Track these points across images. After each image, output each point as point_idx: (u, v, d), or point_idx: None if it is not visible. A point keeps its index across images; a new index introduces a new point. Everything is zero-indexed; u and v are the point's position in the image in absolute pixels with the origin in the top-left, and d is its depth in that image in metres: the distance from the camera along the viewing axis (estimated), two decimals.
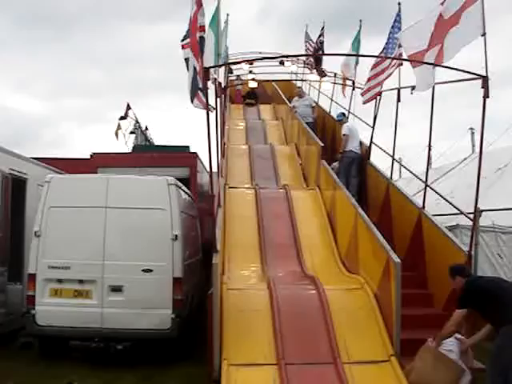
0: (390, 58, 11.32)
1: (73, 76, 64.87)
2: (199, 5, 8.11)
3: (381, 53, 12.12)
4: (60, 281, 10.04)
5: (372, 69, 11.94)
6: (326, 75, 19.92)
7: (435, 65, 8.48)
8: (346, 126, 15.34)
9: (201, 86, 8.28)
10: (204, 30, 8.34)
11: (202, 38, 8.24)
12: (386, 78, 11.46)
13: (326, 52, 20.74)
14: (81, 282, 10.04)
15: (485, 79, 7.98)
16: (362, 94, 12.57)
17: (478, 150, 25.22)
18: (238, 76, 24.57)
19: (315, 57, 20.99)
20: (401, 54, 11.69)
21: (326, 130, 19.19)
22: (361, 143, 15.01)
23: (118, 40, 66.91)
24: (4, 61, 61.23)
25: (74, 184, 10.62)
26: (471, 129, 27.47)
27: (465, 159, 23.45)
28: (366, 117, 14.97)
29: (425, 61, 8.72)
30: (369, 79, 12.13)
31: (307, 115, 18.82)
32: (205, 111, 8.38)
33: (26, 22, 62.32)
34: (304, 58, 23.59)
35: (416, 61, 8.77)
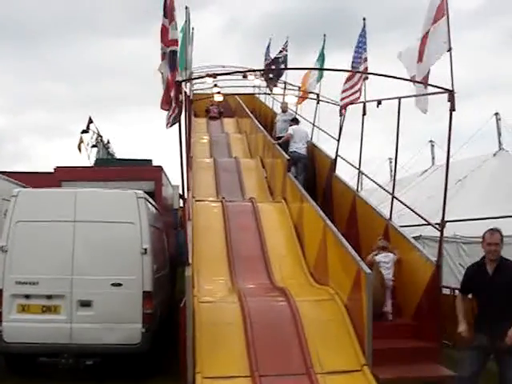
0: (355, 71, 11.52)
1: (37, 89, 64.22)
2: (171, 19, 8.13)
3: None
4: (28, 296, 9.85)
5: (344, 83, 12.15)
6: (276, 86, 20.20)
7: (403, 79, 8.67)
8: (291, 128, 16.68)
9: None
10: (177, 44, 8.35)
11: (174, 52, 8.24)
12: (357, 91, 11.66)
13: (289, 66, 20.83)
14: (49, 297, 9.87)
15: (451, 93, 8.20)
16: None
17: (437, 162, 25.74)
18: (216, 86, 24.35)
19: (272, 70, 21.11)
20: (366, 68, 11.92)
21: None
22: (310, 144, 16.31)
23: (85, 54, 66.46)
24: None
25: (41, 198, 10.46)
26: (431, 141, 27.97)
27: (425, 171, 23.87)
28: (331, 130, 15.22)
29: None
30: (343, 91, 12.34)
31: (284, 129, 18.83)
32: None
33: None
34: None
35: (387, 75, 8.92)
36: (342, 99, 12.46)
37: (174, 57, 8.21)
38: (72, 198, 10.29)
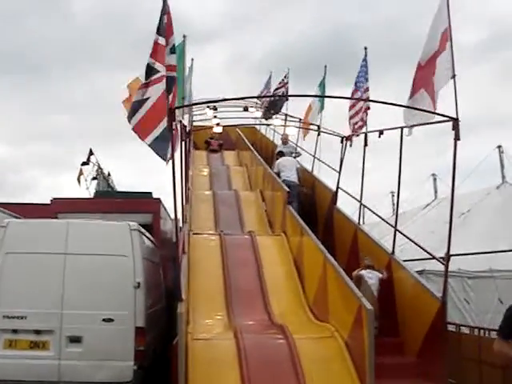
0: (356, 99, 11.32)
1: (42, 122, 63.90)
2: (168, 42, 7.90)
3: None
4: (15, 331, 9.46)
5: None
6: (271, 117, 20.07)
7: (406, 107, 8.41)
8: (276, 163, 16.88)
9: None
10: (173, 70, 8.09)
11: (170, 78, 7.98)
12: (361, 120, 11.50)
13: (289, 98, 20.62)
14: (37, 332, 9.48)
15: (456, 121, 7.95)
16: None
17: (440, 196, 25.48)
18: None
19: (269, 101, 21.00)
20: (368, 98, 11.70)
21: None
22: (298, 171, 16.48)
23: (91, 86, 66.35)
24: None
25: (31, 229, 10.15)
26: (433, 175, 27.76)
27: (427, 205, 23.64)
28: (332, 162, 15.01)
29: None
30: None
31: None
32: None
33: None
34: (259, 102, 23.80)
35: (389, 103, 8.66)
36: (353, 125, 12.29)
37: (170, 82, 7.95)
38: (64, 229, 9.99)
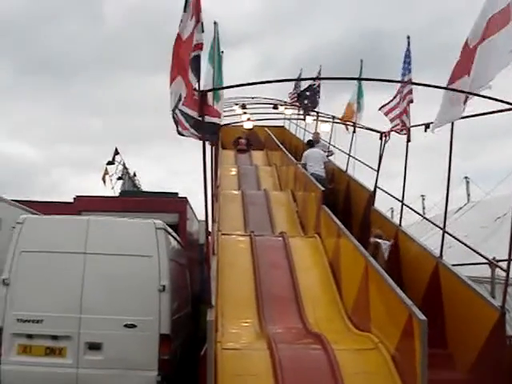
0: (400, 81, 10.55)
1: (71, 124, 64.24)
2: (197, 19, 7.10)
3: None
4: (30, 336, 8.77)
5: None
6: (309, 114, 19.21)
7: (464, 92, 7.53)
8: (304, 154, 16.68)
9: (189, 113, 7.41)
10: (201, 48, 7.30)
11: (198, 57, 7.19)
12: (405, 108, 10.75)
13: (322, 101, 19.59)
14: (54, 337, 8.79)
15: None
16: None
17: (473, 199, 24.52)
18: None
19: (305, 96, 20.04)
20: (411, 91, 10.87)
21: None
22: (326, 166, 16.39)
23: (118, 89, 66.32)
24: (5, 107, 60.88)
25: (49, 226, 9.46)
26: (466, 178, 26.90)
27: (460, 209, 22.85)
28: (370, 160, 14.19)
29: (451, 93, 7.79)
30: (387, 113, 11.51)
31: None
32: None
33: (29, 70, 62.10)
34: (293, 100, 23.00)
35: (435, 86, 7.79)
36: (392, 119, 11.56)
37: (197, 62, 7.16)
38: (84, 226, 9.30)
